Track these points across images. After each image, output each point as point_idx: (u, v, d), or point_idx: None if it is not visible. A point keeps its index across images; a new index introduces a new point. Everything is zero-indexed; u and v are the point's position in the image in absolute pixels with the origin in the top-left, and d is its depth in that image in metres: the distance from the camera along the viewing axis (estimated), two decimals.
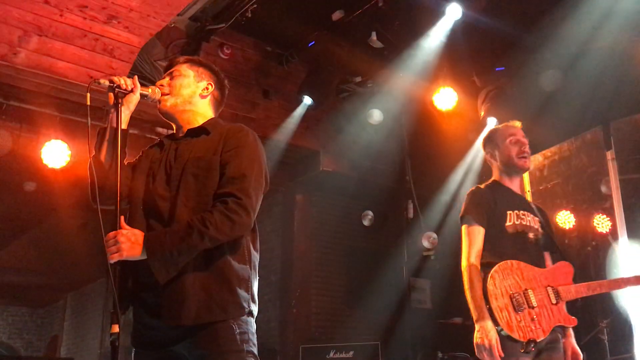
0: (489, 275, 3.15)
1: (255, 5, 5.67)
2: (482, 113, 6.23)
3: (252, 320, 2.39)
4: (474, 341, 3.10)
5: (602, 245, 5.57)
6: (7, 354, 15.20)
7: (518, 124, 3.61)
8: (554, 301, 3.19)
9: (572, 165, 5.96)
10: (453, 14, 5.56)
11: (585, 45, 5.32)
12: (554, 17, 5.29)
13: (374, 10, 5.70)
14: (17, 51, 4.95)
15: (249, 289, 2.38)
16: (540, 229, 3.43)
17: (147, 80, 5.47)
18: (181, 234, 2.22)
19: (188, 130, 2.58)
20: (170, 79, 2.64)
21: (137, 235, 2.25)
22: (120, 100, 2.44)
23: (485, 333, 3.04)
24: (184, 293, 2.24)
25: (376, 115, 6.93)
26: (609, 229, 5.72)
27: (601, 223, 5.83)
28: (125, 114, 2.48)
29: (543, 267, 3.33)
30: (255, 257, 2.47)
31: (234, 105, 6.47)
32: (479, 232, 3.33)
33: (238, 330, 2.28)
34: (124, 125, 2.45)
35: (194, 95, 2.63)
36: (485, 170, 6.76)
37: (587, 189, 5.90)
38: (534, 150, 4.37)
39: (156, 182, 2.46)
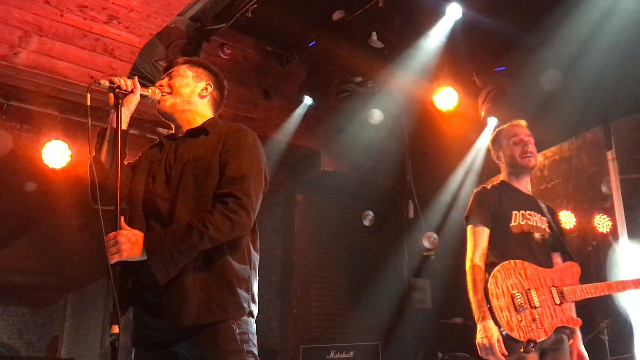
0: (491, 274, 3.15)
1: (255, 5, 5.67)
2: (483, 113, 6.22)
3: (252, 321, 2.39)
4: (476, 341, 3.10)
5: (602, 245, 5.57)
6: (7, 355, 15.20)
7: (522, 123, 3.60)
8: (557, 301, 3.18)
9: (572, 165, 5.96)
10: (453, 13, 5.56)
11: (586, 45, 5.32)
12: (554, 17, 5.29)
13: (375, 10, 5.70)
14: (17, 51, 4.95)
15: (249, 289, 2.38)
16: (547, 229, 3.42)
17: (147, 80, 5.47)
18: (181, 234, 2.23)
19: (187, 130, 2.58)
20: (169, 80, 2.64)
21: (137, 235, 2.25)
22: (120, 101, 2.45)
23: (486, 333, 3.04)
24: (184, 293, 2.25)
25: (376, 115, 6.93)
26: (610, 229, 5.72)
27: (602, 223, 5.82)
28: (125, 115, 2.48)
29: (550, 267, 3.32)
30: (256, 257, 2.48)
31: (234, 105, 6.48)
32: (484, 232, 3.34)
33: (238, 331, 2.28)
34: (124, 126, 2.45)
35: (193, 96, 2.63)
36: (485, 170, 6.77)
37: (587, 189, 5.90)
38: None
39: (156, 182, 2.46)
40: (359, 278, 7.85)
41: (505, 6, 5.56)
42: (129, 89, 2.46)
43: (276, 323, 7.63)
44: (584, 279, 3.36)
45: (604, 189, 5.75)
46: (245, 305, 2.34)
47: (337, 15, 5.91)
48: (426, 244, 7.36)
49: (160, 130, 6.12)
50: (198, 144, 2.49)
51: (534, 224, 3.39)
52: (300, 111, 6.79)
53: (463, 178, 7.11)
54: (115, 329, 2.13)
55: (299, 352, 6.90)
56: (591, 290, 3.26)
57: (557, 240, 3.44)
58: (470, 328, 3.19)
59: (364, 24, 5.92)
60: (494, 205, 3.39)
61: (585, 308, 3.42)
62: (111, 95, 2.44)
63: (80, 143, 5.91)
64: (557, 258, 3.45)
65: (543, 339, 3.06)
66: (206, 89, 2.68)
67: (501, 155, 3.57)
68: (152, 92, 2.56)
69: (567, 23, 5.20)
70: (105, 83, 2.42)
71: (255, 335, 2.37)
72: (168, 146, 2.58)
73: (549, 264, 3.35)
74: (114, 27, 5.08)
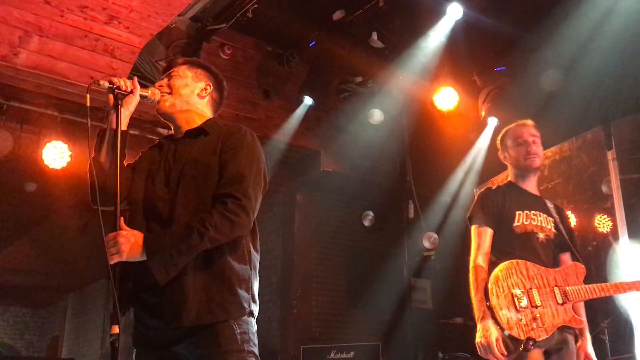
0: (492, 274, 3.15)
1: (255, 6, 5.68)
2: (483, 113, 6.22)
3: (253, 321, 2.39)
4: (476, 341, 3.10)
5: (602, 245, 5.57)
6: (8, 355, 15.20)
7: (529, 122, 3.58)
8: (560, 301, 3.17)
9: (572, 165, 5.96)
10: (454, 13, 5.56)
11: (586, 45, 5.32)
12: (554, 17, 5.29)
13: (375, 10, 5.70)
14: (17, 52, 4.95)
15: (249, 289, 2.38)
16: (553, 229, 3.40)
17: (147, 80, 5.47)
18: (181, 234, 2.23)
19: (186, 131, 2.58)
20: (169, 80, 2.64)
21: (137, 236, 2.25)
22: (119, 102, 2.45)
23: (485, 333, 3.04)
24: (185, 294, 2.25)
25: (377, 115, 6.92)
26: (610, 229, 5.72)
27: (602, 223, 5.82)
28: (125, 115, 2.48)
29: (554, 268, 3.30)
30: (256, 257, 2.48)
31: (234, 106, 6.48)
32: (487, 233, 3.34)
33: (239, 331, 2.28)
34: (123, 127, 2.45)
35: (192, 96, 2.64)
36: (486, 171, 6.77)
37: (587, 189, 5.90)
38: None
39: (155, 183, 2.47)
40: (359, 278, 7.85)
41: (506, 6, 5.56)
42: (129, 90, 2.46)
43: (276, 323, 7.63)
44: (585, 279, 3.35)
45: (604, 189, 5.74)
46: (246, 305, 2.34)
47: (337, 15, 5.91)
48: (426, 244, 7.36)
49: (160, 130, 6.12)
50: (197, 145, 2.50)
51: (538, 224, 3.38)
52: (300, 111, 6.79)
53: (463, 178, 7.11)
54: (116, 330, 2.14)
55: (299, 352, 6.89)
56: (596, 291, 3.24)
57: (564, 240, 3.42)
58: (470, 328, 3.19)
59: (364, 24, 5.92)
60: (497, 205, 3.39)
61: (586, 308, 3.41)
62: (111, 96, 2.45)
63: (80, 143, 5.92)
64: (566, 258, 3.43)
65: (543, 338, 3.05)
66: (205, 89, 2.68)
67: (507, 156, 3.57)
68: (152, 92, 2.56)
69: (567, 23, 5.19)
70: (104, 84, 2.42)
71: (256, 335, 2.38)
72: (167, 147, 2.58)
73: (553, 264, 3.34)
74: (115, 28, 5.08)
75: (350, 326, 7.65)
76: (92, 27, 5.04)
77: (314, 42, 6.43)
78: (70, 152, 5.86)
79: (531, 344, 2.99)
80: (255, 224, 2.45)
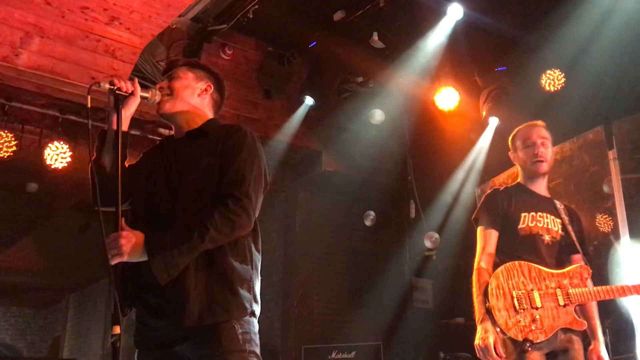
0: (493, 274, 3.15)
1: (256, 6, 5.68)
2: (484, 113, 6.22)
3: (255, 321, 2.40)
4: (475, 343, 3.09)
5: (603, 245, 5.56)
6: (10, 355, 15.23)
7: (539, 123, 3.54)
8: (562, 303, 3.14)
9: (573, 164, 5.94)
10: (454, 13, 5.56)
11: (586, 45, 5.31)
12: (554, 17, 5.28)
13: (376, 11, 5.70)
14: (19, 52, 4.96)
15: (251, 290, 2.39)
16: (560, 231, 3.37)
17: (148, 81, 5.48)
18: (182, 235, 2.23)
19: (187, 132, 2.59)
20: (169, 82, 2.64)
21: (138, 236, 2.25)
22: (120, 103, 2.45)
23: (483, 335, 3.04)
24: (186, 294, 2.26)
25: (378, 115, 6.92)
26: (611, 229, 5.70)
27: (603, 223, 5.81)
28: (126, 116, 2.48)
29: (560, 269, 3.27)
30: (257, 257, 2.48)
31: (235, 106, 6.49)
32: (492, 235, 3.33)
33: (241, 331, 2.29)
34: (124, 128, 2.45)
35: (192, 97, 2.64)
36: (487, 170, 6.76)
37: (588, 189, 5.88)
38: None
39: (156, 184, 2.48)
40: (360, 278, 7.85)
41: (506, 6, 5.56)
42: (129, 91, 2.46)
43: (278, 323, 7.64)
44: None
45: (605, 188, 5.73)
46: (248, 305, 2.35)
47: (338, 15, 5.91)
48: (428, 243, 7.35)
49: (162, 131, 6.13)
50: (198, 146, 2.50)
51: (544, 225, 3.35)
52: (301, 111, 6.80)
53: (464, 178, 7.10)
54: (117, 330, 2.14)
55: (300, 352, 6.90)
56: (600, 294, 3.21)
57: (572, 242, 3.37)
58: (472, 328, 3.19)
59: (365, 24, 5.93)
60: (503, 207, 3.37)
61: None
62: (111, 97, 2.45)
63: (82, 144, 5.93)
64: (578, 259, 3.38)
65: (541, 340, 3.03)
66: (206, 90, 2.68)
67: (516, 157, 3.54)
68: (152, 93, 2.56)
69: (567, 23, 5.19)
70: (105, 85, 2.42)
71: (258, 335, 2.38)
72: (168, 148, 2.59)
73: (558, 265, 3.31)
74: (115, 28, 5.09)
75: (351, 326, 7.66)
76: (93, 28, 5.05)
77: (314, 43, 6.44)
78: (71, 153, 5.87)
79: (528, 345, 2.97)
80: (256, 223, 2.46)
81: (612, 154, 5.52)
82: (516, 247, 3.29)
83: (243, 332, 2.29)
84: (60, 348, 14.71)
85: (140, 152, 2.69)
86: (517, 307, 3.07)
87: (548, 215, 3.39)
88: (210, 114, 2.69)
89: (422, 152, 7.75)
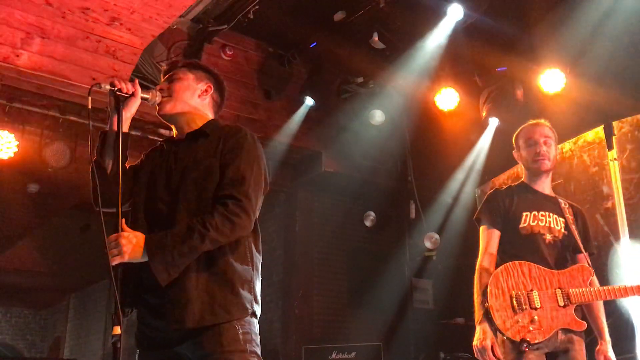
0: (493, 274, 3.14)
1: (257, 7, 5.69)
2: (484, 113, 6.22)
3: (255, 321, 2.40)
4: (473, 343, 3.09)
5: (603, 245, 5.56)
6: (10, 355, 15.23)
7: (542, 121, 3.55)
8: (561, 304, 3.13)
9: (573, 165, 5.95)
10: (454, 14, 5.56)
11: (586, 45, 5.32)
12: (554, 17, 5.29)
13: (376, 11, 5.71)
14: (19, 53, 4.97)
15: (251, 290, 2.39)
16: (563, 230, 3.36)
17: (149, 81, 5.48)
18: (182, 235, 2.24)
19: (187, 133, 2.59)
20: (170, 83, 2.65)
21: (139, 237, 2.26)
22: (121, 104, 2.46)
23: (481, 335, 3.04)
24: (187, 295, 2.26)
25: (378, 116, 6.93)
26: (611, 229, 5.70)
27: (603, 223, 5.81)
28: (126, 117, 2.49)
29: (562, 269, 3.26)
30: (258, 258, 2.49)
31: (235, 106, 6.49)
32: (494, 235, 3.33)
33: (241, 331, 2.29)
34: (124, 129, 2.46)
35: (193, 98, 2.65)
36: (487, 171, 6.76)
37: (588, 189, 5.89)
38: None
39: (157, 185, 2.48)
40: (360, 278, 7.85)
41: (506, 7, 5.57)
42: (130, 92, 2.47)
43: (278, 324, 7.64)
44: None
45: (605, 189, 5.74)
46: (248, 305, 2.35)
47: (338, 16, 5.91)
48: (428, 244, 7.35)
49: (162, 131, 6.13)
50: (198, 147, 2.51)
51: (546, 224, 3.34)
52: (301, 112, 6.80)
53: (464, 178, 7.10)
54: (117, 330, 2.14)
55: (300, 353, 6.90)
56: (600, 294, 3.20)
57: (574, 241, 3.37)
58: (472, 328, 3.19)
59: (365, 24, 5.93)
60: (505, 207, 3.37)
61: None
62: (112, 98, 2.46)
63: (82, 145, 5.93)
64: (583, 258, 3.38)
65: (539, 340, 3.03)
66: (206, 91, 2.69)
67: (519, 155, 3.54)
68: (153, 94, 2.57)
69: (567, 23, 5.19)
70: (105, 86, 2.43)
71: (259, 336, 2.39)
72: (169, 149, 2.60)
73: (560, 265, 3.29)
74: (116, 29, 5.09)
75: (351, 326, 7.65)
76: (93, 29, 5.05)
77: (315, 43, 6.44)
78: (71, 154, 5.87)
79: (525, 345, 2.96)
80: (256, 224, 2.46)
81: (612, 155, 5.52)
82: (517, 246, 3.28)
83: (244, 332, 2.30)
84: (60, 348, 14.71)
85: (141, 153, 2.69)
86: (516, 307, 3.07)
87: (551, 214, 3.38)
88: (210, 115, 2.70)
89: (422, 152, 7.75)
